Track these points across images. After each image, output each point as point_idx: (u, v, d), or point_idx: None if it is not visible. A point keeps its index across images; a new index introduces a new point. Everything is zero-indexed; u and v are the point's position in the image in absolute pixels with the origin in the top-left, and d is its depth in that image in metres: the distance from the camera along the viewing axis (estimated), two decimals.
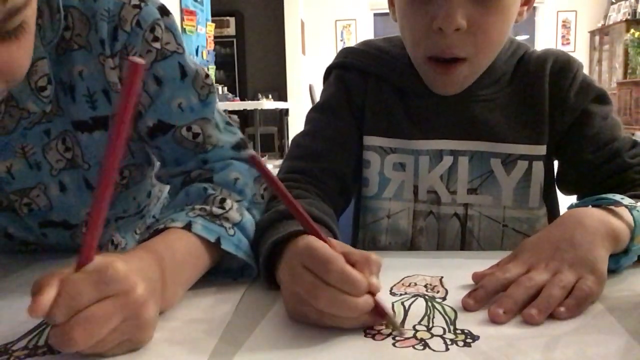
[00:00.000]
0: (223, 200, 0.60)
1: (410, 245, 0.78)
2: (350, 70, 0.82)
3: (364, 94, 0.80)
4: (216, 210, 0.58)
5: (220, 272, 0.59)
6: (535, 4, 0.77)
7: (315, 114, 0.82)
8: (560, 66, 0.76)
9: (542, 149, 0.75)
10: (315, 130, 0.80)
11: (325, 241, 0.46)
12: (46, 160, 0.66)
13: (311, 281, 0.44)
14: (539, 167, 0.75)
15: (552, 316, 0.47)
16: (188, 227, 0.54)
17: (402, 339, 0.44)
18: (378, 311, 0.45)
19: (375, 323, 0.46)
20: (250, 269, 0.58)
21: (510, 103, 0.76)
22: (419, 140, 0.77)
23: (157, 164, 0.76)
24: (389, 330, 0.45)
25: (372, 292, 0.44)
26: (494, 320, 0.46)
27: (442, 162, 0.76)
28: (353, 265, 0.45)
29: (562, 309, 0.47)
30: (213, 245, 0.55)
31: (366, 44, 0.84)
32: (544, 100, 0.75)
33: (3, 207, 0.70)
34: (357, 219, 0.84)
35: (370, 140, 0.79)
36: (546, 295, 0.48)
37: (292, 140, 0.82)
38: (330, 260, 0.44)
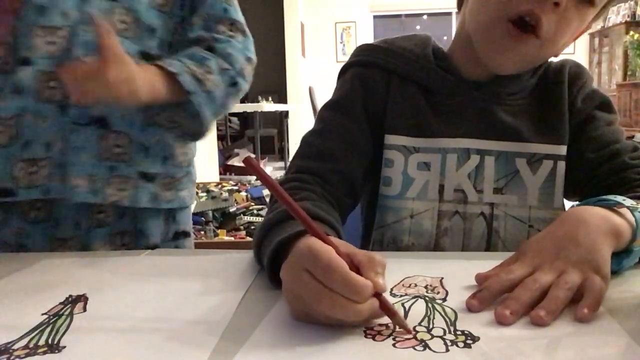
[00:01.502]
0: (209, 73, 0.82)
1: (435, 246, 0.77)
2: (370, 68, 0.81)
3: (385, 92, 0.79)
4: (201, 76, 0.81)
5: (172, 121, 0.85)
6: None
7: (328, 112, 0.81)
8: (574, 74, 0.80)
9: (564, 149, 0.77)
10: (327, 129, 0.79)
11: (328, 241, 0.46)
12: None
13: (314, 286, 0.43)
14: (562, 167, 0.77)
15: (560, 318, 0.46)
16: (177, 75, 0.78)
17: (402, 339, 0.44)
18: (386, 311, 0.45)
19: (378, 317, 0.46)
20: (202, 130, 0.85)
21: (533, 108, 0.79)
22: (446, 139, 0.77)
23: None
24: (390, 331, 0.45)
25: (378, 293, 0.44)
26: (501, 322, 0.46)
27: (470, 161, 0.77)
28: (357, 266, 0.45)
29: (585, 310, 0.46)
30: (183, 94, 0.79)
31: (388, 42, 0.83)
32: (563, 104, 0.78)
33: None
34: (370, 220, 0.82)
35: (393, 139, 0.78)
36: (553, 297, 0.47)
37: (303, 138, 0.80)
38: (333, 266, 0.43)
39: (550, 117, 0.78)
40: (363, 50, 0.83)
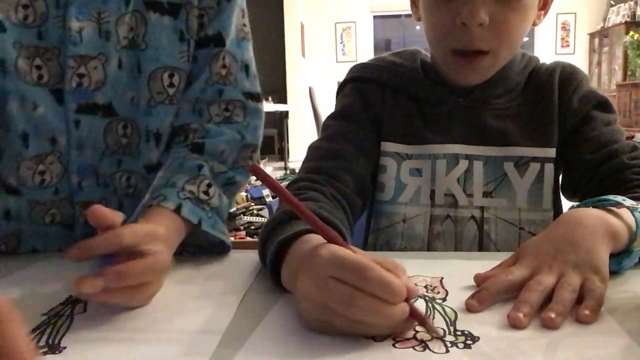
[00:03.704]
0: (209, 186, 0.70)
1: (427, 250, 0.79)
2: (366, 82, 0.84)
3: (381, 103, 0.82)
4: (202, 195, 0.68)
5: (196, 246, 0.69)
6: None
7: (333, 121, 0.83)
8: (567, 75, 0.80)
9: (552, 152, 0.78)
10: (334, 134, 0.81)
11: (340, 244, 0.45)
12: (116, 32, 0.68)
13: (345, 291, 0.42)
14: (550, 169, 0.78)
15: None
16: (178, 209, 0.64)
17: (402, 339, 0.44)
18: (416, 317, 0.44)
19: (408, 329, 0.45)
20: (225, 245, 0.70)
21: (522, 111, 0.80)
22: (436, 145, 0.79)
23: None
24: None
25: (409, 298, 0.43)
26: (516, 325, 0.45)
27: (459, 166, 0.79)
28: None
29: (586, 311, 0.46)
30: (194, 225, 0.65)
31: (378, 59, 0.87)
32: (553, 107, 0.79)
33: (48, 82, 0.67)
34: (368, 225, 0.85)
35: (387, 146, 0.81)
36: (560, 299, 0.47)
37: (309, 147, 0.82)
38: (366, 267, 0.42)
39: (539, 120, 0.79)
40: (358, 68, 0.87)
